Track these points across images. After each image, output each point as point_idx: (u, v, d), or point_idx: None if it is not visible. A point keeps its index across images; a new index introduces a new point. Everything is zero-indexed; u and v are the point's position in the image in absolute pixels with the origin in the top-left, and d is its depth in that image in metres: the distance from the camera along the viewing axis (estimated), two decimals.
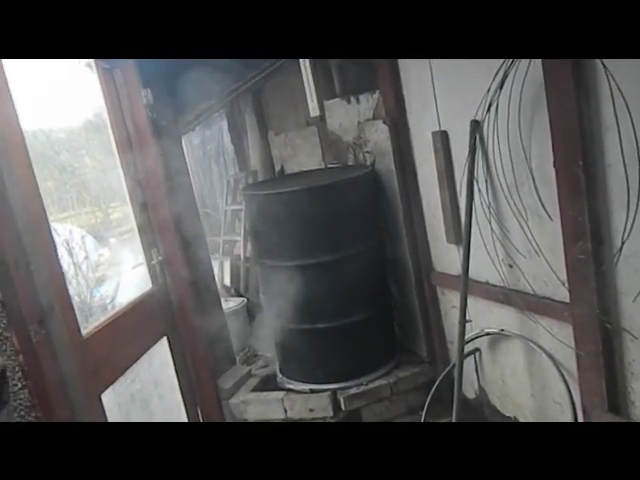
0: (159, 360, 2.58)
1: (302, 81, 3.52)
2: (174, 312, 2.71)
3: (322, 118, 3.47)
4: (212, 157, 7.64)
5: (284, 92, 4.03)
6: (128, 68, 2.55)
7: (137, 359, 2.35)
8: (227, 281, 5.10)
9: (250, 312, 4.57)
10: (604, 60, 1.36)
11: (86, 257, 5.38)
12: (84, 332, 2.01)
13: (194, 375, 2.75)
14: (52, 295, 1.72)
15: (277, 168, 4.75)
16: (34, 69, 2.01)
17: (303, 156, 4.01)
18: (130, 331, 2.30)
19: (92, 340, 2.04)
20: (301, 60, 2.06)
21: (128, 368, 2.27)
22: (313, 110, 2.11)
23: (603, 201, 1.53)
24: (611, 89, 1.37)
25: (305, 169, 3.99)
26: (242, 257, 5.10)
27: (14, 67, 1.75)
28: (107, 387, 2.10)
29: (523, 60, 1.58)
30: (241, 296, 4.80)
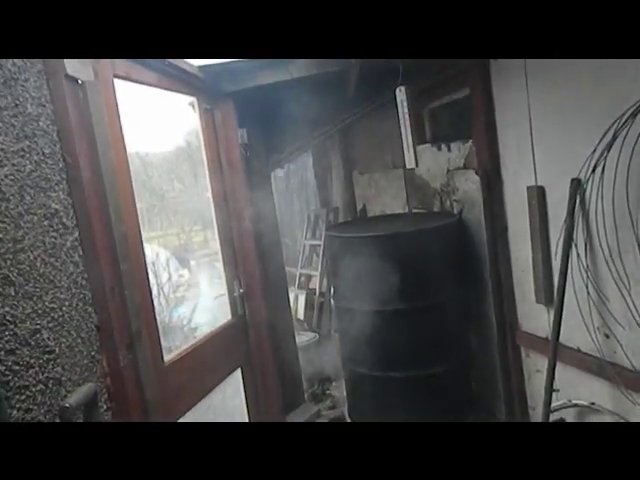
0: (232, 391, 2.63)
1: (390, 125, 3.57)
2: (250, 344, 2.77)
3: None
4: (294, 190, 7.87)
5: (371, 134, 4.11)
6: (227, 109, 2.71)
7: (213, 388, 2.41)
8: (301, 314, 5.15)
9: (322, 348, 4.57)
10: None
11: (169, 279, 5.68)
12: (166, 358, 2.10)
13: (264, 409, 2.78)
14: (141, 320, 1.81)
15: (359, 207, 4.80)
16: (131, 92, 2.15)
17: (387, 197, 4.02)
18: (208, 360, 2.37)
19: (173, 367, 2.12)
20: (400, 107, 2.08)
21: (204, 397, 2.33)
22: (409, 162, 2.11)
23: None
24: None
25: (388, 211, 4.00)
26: (317, 292, 5.15)
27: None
28: (183, 414, 2.17)
29: (635, 123, 1.50)
30: (314, 331, 4.83)
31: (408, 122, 2.06)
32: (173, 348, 2.80)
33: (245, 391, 2.69)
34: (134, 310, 1.76)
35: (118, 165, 1.79)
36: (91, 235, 1.59)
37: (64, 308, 1.45)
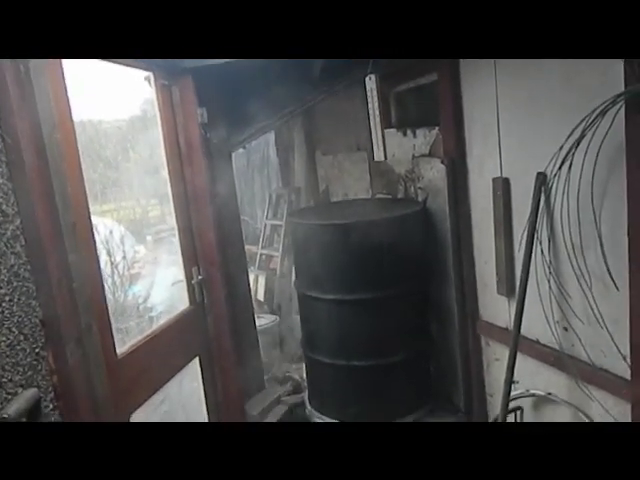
0: (189, 381, 2.56)
1: (355, 106, 3.49)
2: (209, 332, 2.69)
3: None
4: (256, 167, 7.72)
5: (336, 115, 4.02)
6: (186, 85, 2.57)
7: (169, 379, 2.33)
8: (261, 295, 5.09)
9: (282, 330, 4.54)
10: None
11: (124, 257, 5.48)
12: (119, 351, 2.00)
13: (222, 399, 2.72)
14: (92, 314, 1.71)
15: (322, 187, 4.73)
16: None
17: (350, 179, 3.97)
18: (165, 351, 2.29)
19: (127, 359, 2.02)
20: (369, 96, 2.01)
21: (159, 389, 2.25)
22: (378, 155, 2.05)
23: None
24: None
25: (351, 193, 3.95)
26: (278, 272, 5.09)
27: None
28: (137, 407, 2.09)
29: (603, 121, 1.49)
30: (274, 313, 4.79)
31: (377, 112, 1.99)
32: (128, 329, 2.68)
33: (203, 380, 2.62)
34: (84, 303, 1.65)
35: (66, 147, 1.66)
36: (35, 223, 1.47)
37: (4, 304, 1.35)
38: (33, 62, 1.49)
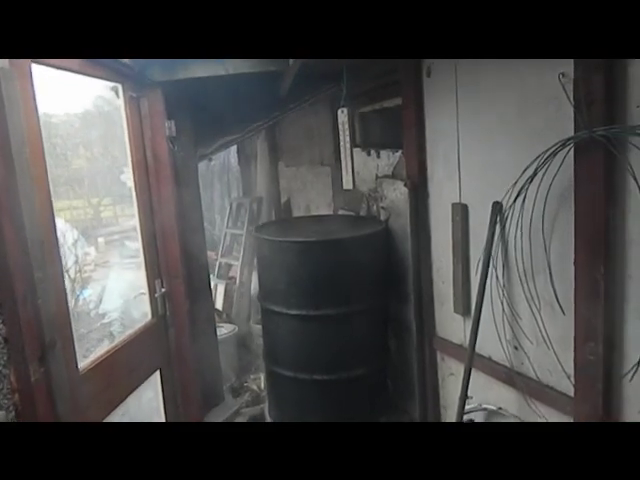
0: (150, 395, 2.54)
1: (320, 122, 3.57)
2: (170, 344, 2.68)
3: (338, 160, 3.50)
4: (216, 173, 7.66)
5: (300, 128, 4.09)
6: (155, 98, 2.56)
7: (129, 394, 2.32)
8: (219, 304, 5.07)
9: (240, 340, 4.54)
10: (636, 177, 1.40)
11: (76, 261, 5.30)
12: (81, 366, 1.98)
13: (182, 412, 2.72)
14: (56, 329, 1.69)
15: (284, 199, 4.78)
16: None
17: (313, 193, 4.04)
18: (126, 365, 2.27)
19: (88, 375, 2.00)
20: (341, 128, 2.07)
21: (120, 403, 2.23)
22: (347, 182, 2.12)
23: (620, 309, 1.55)
24: None
25: (313, 206, 4.02)
26: (238, 281, 5.09)
27: None
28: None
29: (555, 160, 1.61)
30: (232, 322, 4.77)
31: (348, 144, 2.06)
32: (79, 337, 2.60)
33: (163, 394, 2.61)
34: (48, 320, 1.63)
35: (34, 164, 1.64)
36: (1, 242, 1.45)
37: None
38: (3, 71, 1.48)
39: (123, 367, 2.24)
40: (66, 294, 1.89)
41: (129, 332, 2.43)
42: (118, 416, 2.25)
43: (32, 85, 1.71)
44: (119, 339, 2.38)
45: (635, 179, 1.40)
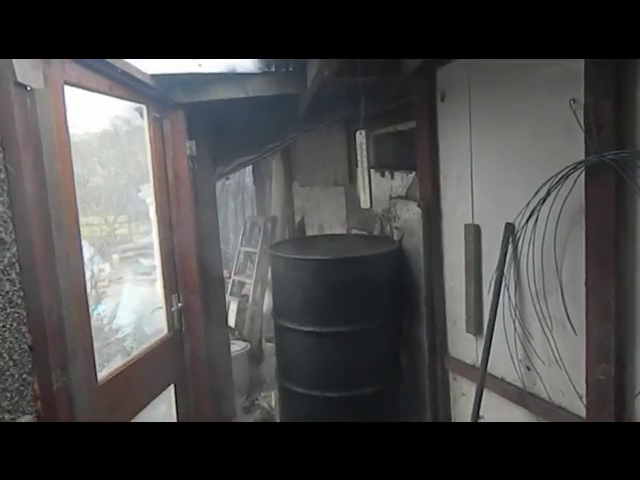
0: (164, 408, 2.57)
1: (335, 143, 3.65)
2: (185, 359, 2.72)
3: (351, 180, 3.57)
4: (230, 192, 7.78)
5: (315, 148, 4.17)
6: (177, 120, 2.66)
7: (145, 406, 2.35)
8: (232, 322, 5.11)
9: (252, 357, 4.57)
10: None
11: (91, 277, 5.40)
12: (100, 377, 2.03)
13: None
14: (78, 340, 1.75)
15: (298, 218, 4.85)
16: None
17: (326, 212, 4.10)
18: (142, 378, 2.31)
19: (106, 386, 2.05)
20: (359, 149, 2.14)
21: (135, 415, 2.27)
22: (364, 202, 2.18)
23: (631, 329, 1.57)
24: None
25: (326, 225, 4.08)
26: (251, 299, 5.13)
27: None
28: None
29: (566, 183, 1.66)
30: (244, 340, 4.81)
31: (366, 164, 2.13)
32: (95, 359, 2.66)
33: (177, 408, 2.64)
34: (71, 330, 1.69)
35: (63, 178, 1.72)
36: (31, 251, 1.52)
37: None
38: (39, 91, 1.56)
39: (139, 380, 2.29)
40: (88, 305, 1.95)
41: (145, 346, 2.47)
42: None
43: (64, 106, 1.80)
44: (136, 352, 2.42)
45: None
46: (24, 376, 1.50)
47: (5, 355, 1.42)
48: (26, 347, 1.51)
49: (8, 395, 1.42)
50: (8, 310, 1.44)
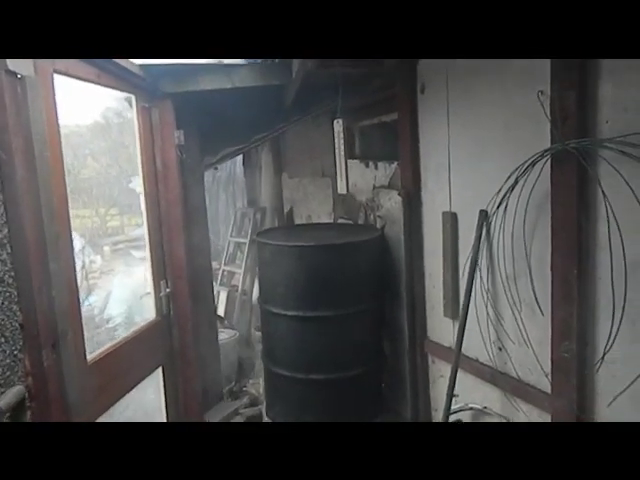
0: (152, 390, 2.65)
1: (322, 135, 3.72)
2: (173, 343, 2.80)
3: None
4: (221, 184, 7.82)
5: (303, 140, 4.24)
6: (165, 109, 2.72)
7: (133, 387, 2.43)
8: (221, 311, 5.18)
9: (241, 345, 4.64)
10: (603, 187, 1.53)
11: (83, 267, 5.45)
12: (89, 357, 2.10)
13: (182, 408, 2.82)
14: (68, 320, 1.81)
15: (286, 209, 4.92)
16: None
17: (314, 203, 4.17)
18: (131, 359, 2.39)
19: (95, 366, 2.12)
20: (336, 137, 2.22)
21: (124, 395, 2.34)
22: (341, 188, 2.26)
23: (592, 309, 1.66)
24: (607, 214, 1.53)
25: (314, 216, 4.15)
26: (240, 289, 5.20)
27: None
28: (103, 412, 2.17)
29: (533, 170, 1.74)
30: (233, 328, 4.88)
31: (343, 152, 2.21)
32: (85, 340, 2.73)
33: (165, 390, 2.72)
34: (61, 310, 1.76)
35: (53, 163, 1.78)
36: (21, 233, 1.58)
37: None
38: (29, 79, 1.62)
39: (127, 361, 2.36)
40: (77, 288, 2.02)
41: (134, 329, 2.55)
42: (122, 407, 2.36)
43: (54, 94, 1.86)
44: (124, 335, 2.50)
45: (602, 189, 1.53)
46: (15, 352, 1.56)
47: None
48: (17, 325, 1.57)
49: (0, 370, 1.48)
50: None
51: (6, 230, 1.55)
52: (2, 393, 1.42)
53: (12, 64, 1.56)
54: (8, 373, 1.52)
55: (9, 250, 1.55)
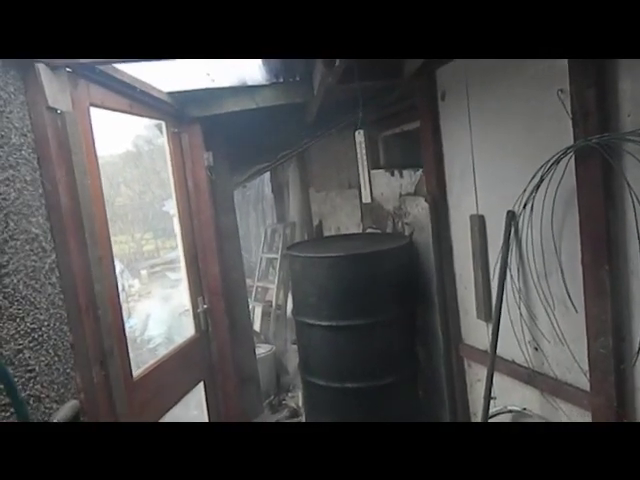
0: (195, 404, 2.73)
1: (347, 147, 3.77)
2: (212, 358, 2.88)
3: None
4: (251, 202, 7.98)
5: (328, 154, 4.31)
6: (194, 132, 2.84)
7: (177, 402, 2.51)
8: (257, 326, 5.27)
9: (278, 359, 4.70)
10: (629, 180, 1.53)
11: (123, 290, 5.64)
12: (134, 374, 2.19)
13: (225, 421, 2.88)
14: (113, 338, 1.91)
15: (315, 222, 4.99)
16: None
17: (342, 215, 4.22)
18: (173, 375, 2.47)
19: (141, 382, 2.21)
20: (358, 148, 2.28)
21: (168, 410, 2.42)
22: (365, 197, 2.32)
23: (626, 303, 1.65)
24: (634, 207, 1.52)
25: (343, 228, 4.20)
26: (274, 304, 5.28)
27: None
28: None
29: (558, 168, 1.76)
30: (269, 343, 4.95)
31: (365, 162, 2.27)
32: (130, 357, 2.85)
33: (207, 403, 2.80)
34: (106, 329, 1.85)
35: (93, 191, 1.89)
36: (67, 257, 1.68)
37: (43, 328, 1.53)
38: (68, 114, 1.73)
39: (170, 376, 2.44)
40: (121, 307, 2.12)
41: (174, 346, 2.63)
42: (168, 420, 2.44)
43: (91, 125, 1.98)
44: (166, 351, 2.59)
45: (627, 182, 1.53)
46: (67, 370, 1.65)
47: (51, 351, 1.57)
48: (68, 344, 1.67)
49: (55, 387, 1.57)
50: (51, 311, 1.60)
51: (54, 255, 1.66)
52: (58, 409, 1.51)
53: (52, 100, 1.68)
54: (62, 390, 1.61)
55: (57, 274, 1.66)
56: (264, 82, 2.73)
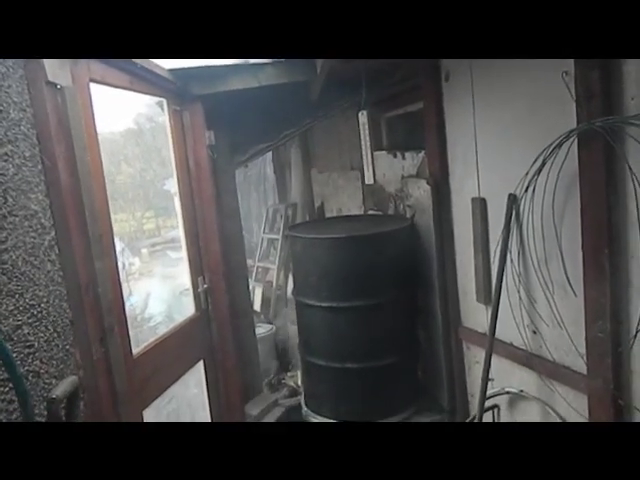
0: (194, 382, 2.75)
1: (349, 128, 3.75)
2: (212, 337, 2.90)
3: None
4: (252, 183, 7.95)
5: (331, 135, 4.27)
6: (196, 111, 2.81)
7: (176, 380, 2.53)
8: (257, 307, 5.29)
9: (278, 339, 4.74)
10: (631, 164, 1.51)
11: (123, 268, 5.64)
12: (134, 351, 2.21)
13: (224, 400, 2.92)
14: (113, 316, 1.92)
15: (317, 204, 4.97)
16: None
17: (344, 197, 4.21)
18: (173, 353, 2.49)
19: (140, 359, 2.23)
20: (362, 129, 2.26)
21: (168, 388, 2.45)
22: (368, 178, 2.31)
23: (625, 288, 1.65)
24: (635, 191, 1.51)
25: (345, 209, 4.19)
26: (274, 285, 5.30)
27: None
28: (149, 405, 2.28)
29: (560, 151, 1.74)
30: (269, 323, 4.99)
31: (368, 143, 2.25)
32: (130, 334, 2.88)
33: (207, 382, 2.82)
34: (107, 306, 1.86)
35: (93, 167, 1.88)
36: (67, 235, 1.68)
37: (42, 304, 1.53)
38: (67, 89, 1.72)
39: (170, 355, 2.46)
40: (120, 285, 2.12)
41: (175, 324, 2.65)
42: (167, 399, 2.47)
43: (91, 101, 1.96)
44: (166, 330, 2.60)
45: (629, 166, 1.52)
46: (67, 347, 1.66)
47: (50, 327, 1.58)
48: (67, 321, 1.68)
49: (54, 363, 1.58)
50: (50, 288, 1.60)
51: (54, 232, 1.65)
52: (57, 384, 1.52)
53: (51, 75, 1.66)
54: (62, 366, 1.62)
55: (57, 251, 1.65)
56: (267, 60, 2.69)
